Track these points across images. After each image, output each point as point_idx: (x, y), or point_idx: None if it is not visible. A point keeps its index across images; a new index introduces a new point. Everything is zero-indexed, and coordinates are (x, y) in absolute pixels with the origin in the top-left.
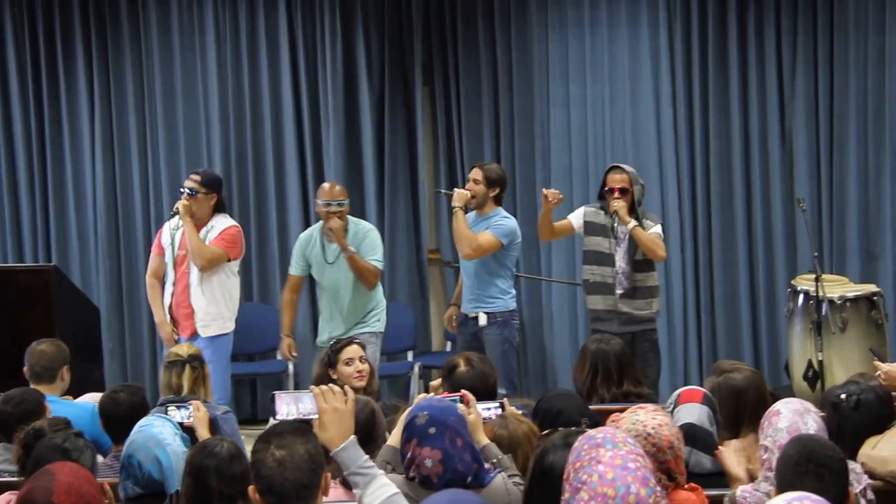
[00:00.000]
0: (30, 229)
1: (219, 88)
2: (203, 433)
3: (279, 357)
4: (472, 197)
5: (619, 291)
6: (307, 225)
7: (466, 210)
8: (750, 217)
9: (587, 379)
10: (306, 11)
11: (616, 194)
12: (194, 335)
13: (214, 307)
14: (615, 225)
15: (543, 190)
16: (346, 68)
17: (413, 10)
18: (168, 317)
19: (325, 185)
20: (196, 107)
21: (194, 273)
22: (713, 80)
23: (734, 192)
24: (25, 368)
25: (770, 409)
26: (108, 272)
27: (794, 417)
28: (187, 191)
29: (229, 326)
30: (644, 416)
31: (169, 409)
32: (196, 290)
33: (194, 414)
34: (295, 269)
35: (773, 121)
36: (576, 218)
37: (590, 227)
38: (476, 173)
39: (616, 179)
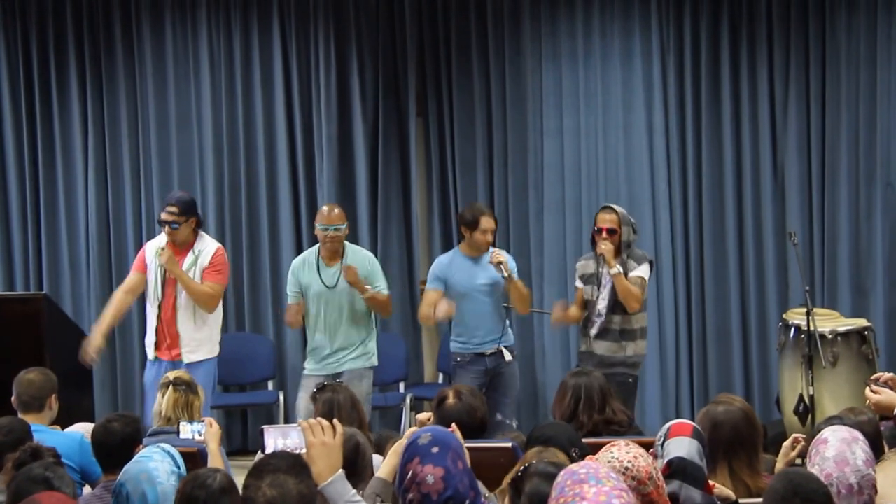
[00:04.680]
0: (21, 257)
1: (213, 117)
2: (214, 448)
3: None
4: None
5: (592, 332)
6: (299, 253)
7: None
8: (742, 250)
9: (568, 407)
10: (301, 41)
11: (604, 234)
12: (177, 360)
13: (200, 333)
14: (600, 269)
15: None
16: (340, 98)
17: (407, 40)
18: (153, 337)
19: (324, 209)
20: (190, 135)
21: (181, 297)
22: (706, 113)
23: (726, 224)
24: (13, 398)
25: (818, 436)
26: (100, 301)
27: (841, 446)
28: (168, 226)
29: (216, 350)
30: (618, 452)
31: (181, 423)
32: (183, 314)
33: (207, 430)
34: (292, 299)
35: (765, 154)
36: (578, 282)
37: (584, 279)
38: (492, 223)
39: (605, 219)
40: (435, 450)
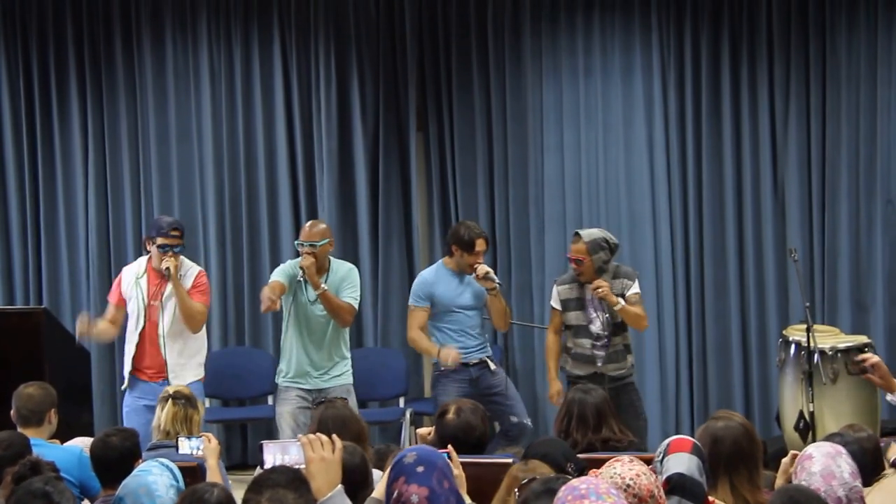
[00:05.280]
0: (21, 271)
1: (213, 131)
2: (213, 464)
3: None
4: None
5: (600, 355)
6: None
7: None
8: (742, 266)
9: (562, 423)
10: (301, 55)
11: (573, 265)
12: (163, 381)
13: (183, 357)
14: (590, 297)
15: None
16: (341, 112)
17: (408, 54)
18: (130, 366)
19: (307, 225)
20: (190, 149)
21: (164, 323)
22: (706, 129)
23: (726, 240)
24: (12, 411)
25: (802, 452)
26: (100, 315)
27: (826, 461)
28: (174, 250)
29: (201, 374)
30: (621, 469)
31: (180, 439)
32: (167, 340)
33: (206, 445)
34: (278, 277)
35: (766, 170)
36: (556, 304)
37: (566, 305)
38: (485, 245)
39: (572, 249)
40: (420, 469)
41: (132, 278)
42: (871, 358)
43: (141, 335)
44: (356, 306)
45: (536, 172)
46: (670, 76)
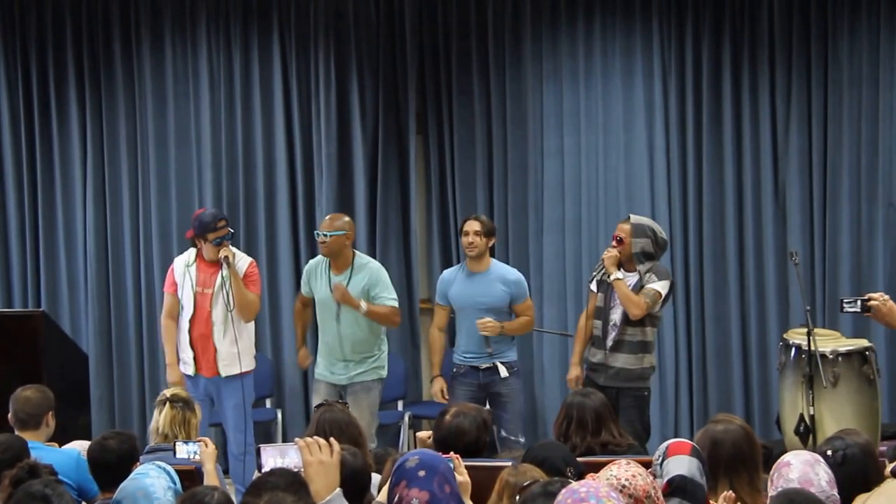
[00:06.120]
0: (19, 274)
1: (212, 135)
2: (210, 468)
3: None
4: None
5: (608, 344)
6: (297, 273)
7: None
8: (742, 270)
9: (562, 427)
10: (301, 59)
11: (613, 243)
12: (215, 375)
13: (236, 347)
14: (607, 278)
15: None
16: (340, 116)
17: (408, 58)
18: (191, 352)
19: (327, 217)
20: (188, 153)
21: (217, 313)
22: (707, 133)
23: (727, 244)
24: (10, 415)
25: (779, 460)
26: (98, 319)
27: (804, 468)
28: (224, 240)
29: (253, 364)
30: (617, 471)
31: (177, 444)
32: (219, 329)
33: (202, 450)
34: (303, 291)
35: (767, 174)
36: (593, 285)
37: (599, 286)
38: (474, 225)
39: (618, 228)
40: (421, 473)
41: (182, 267)
42: (875, 301)
43: (190, 323)
44: (397, 305)
45: (536, 176)
46: (671, 80)
